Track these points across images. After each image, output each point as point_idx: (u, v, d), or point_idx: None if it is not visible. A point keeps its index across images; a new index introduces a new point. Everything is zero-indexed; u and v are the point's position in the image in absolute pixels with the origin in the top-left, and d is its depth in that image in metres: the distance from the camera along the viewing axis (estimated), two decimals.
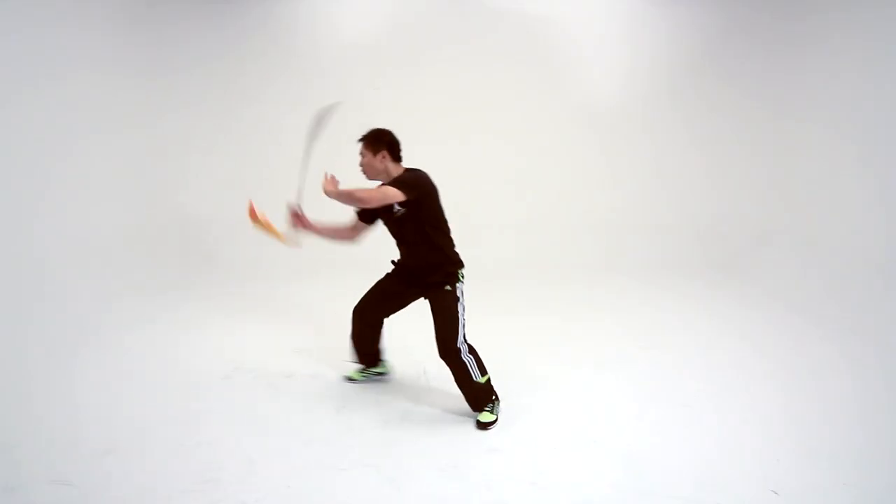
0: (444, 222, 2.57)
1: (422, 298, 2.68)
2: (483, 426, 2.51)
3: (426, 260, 2.57)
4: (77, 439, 2.37)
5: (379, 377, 3.02)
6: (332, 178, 2.49)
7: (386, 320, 2.83)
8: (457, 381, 2.54)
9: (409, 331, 3.05)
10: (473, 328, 3.95)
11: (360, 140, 2.54)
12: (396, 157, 2.54)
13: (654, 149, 5.61)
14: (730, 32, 5.40)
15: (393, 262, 2.78)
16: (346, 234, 2.78)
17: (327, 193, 2.44)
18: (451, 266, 2.56)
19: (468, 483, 2.15)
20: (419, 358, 3.28)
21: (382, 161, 2.49)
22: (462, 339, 2.51)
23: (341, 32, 5.41)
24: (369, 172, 2.55)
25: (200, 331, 3.69)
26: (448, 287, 2.53)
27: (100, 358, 3.22)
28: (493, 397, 2.59)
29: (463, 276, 2.60)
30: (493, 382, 2.59)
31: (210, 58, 5.35)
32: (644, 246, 5.55)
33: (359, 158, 2.55)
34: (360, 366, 2.98)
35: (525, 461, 2.29)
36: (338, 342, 3.51)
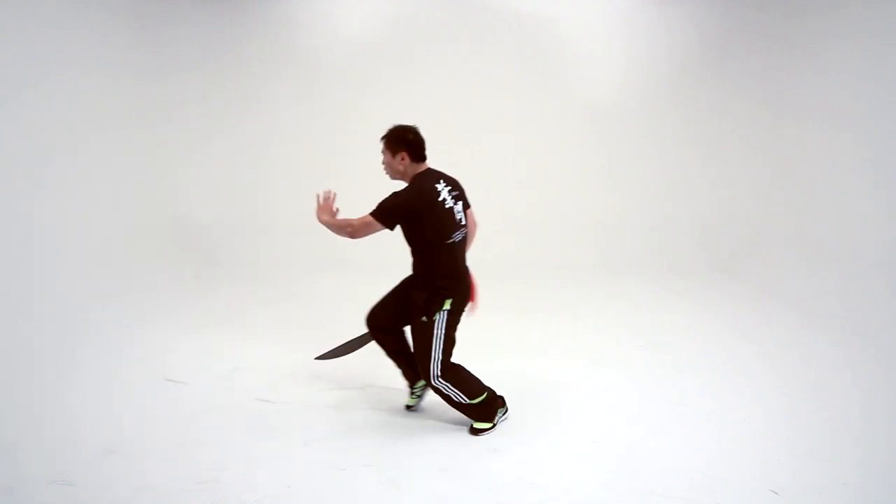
0: (436, 245, 2.36)
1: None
2: (474, 431, 2.49)
3: (416, 272, 2.49)
4: (77, 439, 2.37)
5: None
6: (327, 202, 2.46)
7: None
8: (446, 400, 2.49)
9: (406, 330, 3.04)
10: (472, 328, 3.95)
11: (382, 139, 2.44)
12: (417, 158, 2.40)
13: (654, 148, 5.61)
14: (729, 32, 5.39)
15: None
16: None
17: (320, 221, 2.41)
18: (434, 292, 2.38)
19: (468, 483, 2.15)
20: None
21: (402, 162, 2.38)
22: (436, 368, 2.38)
23: (341, 32, 5.40)
24: (389, 173, 2.47)
25: (200, 331, 3.69)
26: (424, 318, 2.38)
27: (99, 358, 3.21)
28: (497, 410, 2.53)
29: (448, 305, 2.39)
30: (492, 383, 2.58)
31: (210, 57, 5.34)
32: (644, 245, 5.55)
33: (381, 157, 2.47)
34: (408, 389, 2.74)
35: (525, 461, 2.30)
36: (338, 342, 3.52)
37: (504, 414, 2.60)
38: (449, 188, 2.42)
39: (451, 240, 2.39)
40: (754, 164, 5.49)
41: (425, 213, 2.32)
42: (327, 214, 2.45)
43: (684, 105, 5.49)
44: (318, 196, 2.49)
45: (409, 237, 2.40)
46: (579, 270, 5.22)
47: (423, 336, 2.39)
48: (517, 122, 5.61)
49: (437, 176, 2.42)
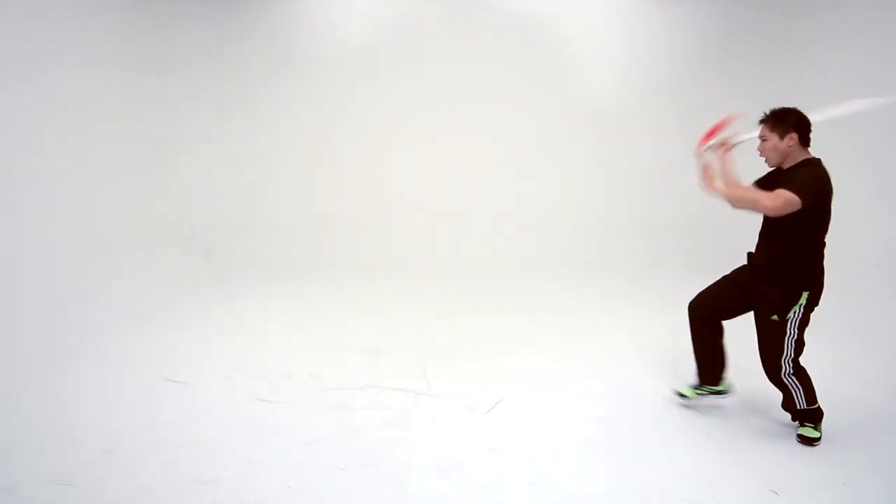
0: (823, 233, 2.24)
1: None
2: (804, 440, 2.41)
3: (773, 264, 2.31)
4: (77, 439, 2.37)
5: (718, 397, 2.67)
6: (710, 171, 2.29)
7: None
8: (783, 399, 2.45)
9: (405, 330, 3.05)
10: (471, 326, 3.94)
11: (764, 121, 2.30)
12: (805, 141, 2.25)
13: (654, 148, 5.61)
14: (729, 32, 5.39)
15: (749, 253, 2.50)
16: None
17: (715, 190, 2.25)
18: (794, 285, 2.24)
19: (468, 483, 2.15)
20: (419, 358, 3.28)
21: (790, 144, 2.22)
22: (788, 367, 2.33)
23: (341, 31, 5.40)
24: (772, 157, 2.29)
25: (200, 331, 3.69)
26: (776, 317, 2.27)
27: (99, 358, 3.21)
28: (818, 417, 2.45)
29: (805, 299, 2.25)
30: (491, 382, 2.58)
31: (210, 56, 5.34)
32: (643, 245, 5.55)
33: (758, 142, 2.33)
34: (696, 383, 2.68)
35: (525, 461, 2.29)
36: (338, 341, 3.52)
37: (820, 424, 2.46)
38: None
39: (824, 238, 2.25)
40: (754, 163, 5.49)
41: (830, 198, 2.18)
42: (719, 184, 2.26)
43: (684, 105, 5.48)
44: (705, 167, 2.34)
45: (796, 223, 2.15)
46: (578, 270, 5.22)
47: (775, 335, 2.29)
48: (517, 122, 5.60)
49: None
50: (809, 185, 2.11)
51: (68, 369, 3.03)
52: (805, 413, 2.43)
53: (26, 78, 3.66)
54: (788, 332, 2.28)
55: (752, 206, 2.18)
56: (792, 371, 2.35)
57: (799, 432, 2.46)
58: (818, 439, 2.42)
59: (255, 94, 5.45)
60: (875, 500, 2.11)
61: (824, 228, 2.24)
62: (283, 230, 5.52)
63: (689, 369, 3.19)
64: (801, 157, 2.25)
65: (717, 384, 2.66)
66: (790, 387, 2.37)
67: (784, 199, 2.08)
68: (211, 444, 2.36)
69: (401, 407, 2.72)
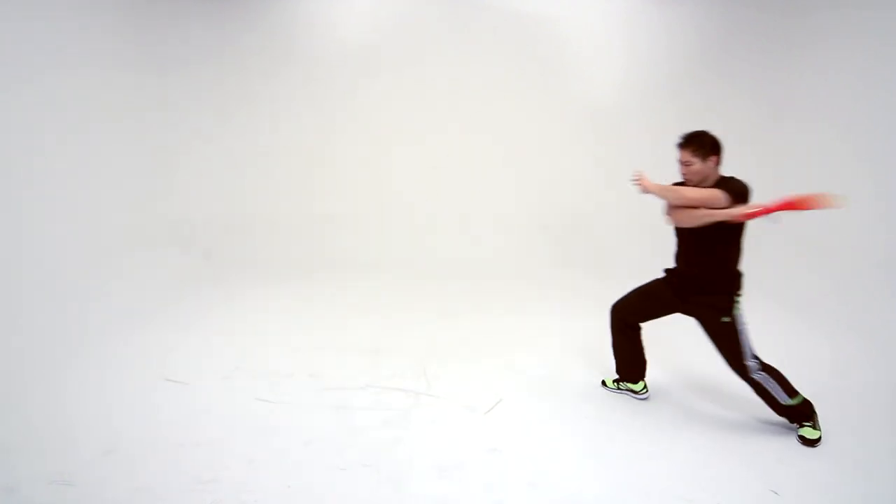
0: (740, 243, 2.41)
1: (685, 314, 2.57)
2: (805, 441, 2.42)
3: (703, 273, 2.45)
4: (77, 439, 2.37)
5: (634, 395, 2.84)
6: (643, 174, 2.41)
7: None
8: (766, 400, 2.47)
9: (405, 330, 3.05)
10: (471, 326, 3.94)
11: (684, 146, 2.37)
12: (721, 161, 2.40)
13: (654, 148, 5.60)
14: (729, 32, 5.39)
15: (666, 270, 2.68)
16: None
17: (648, 189, 2.36)
18: (726, 290, 2.40)
19: (468, 483, 2.15)
20: (419, 358, 3.28)
21: (711, 166, 2.35)
22: (752, 362, 2.40)
23: (341, 31, 5.40)
24: (694, 179, 2.38)
25: (200, 331, 3.69)
26: (725, 319, 2.40)
27: (99, 358, 3.21)
28: (811, 412, 2.47)
29: (739, 300, 2.41)
30: (490, 382, 2.58)
31: (210, 56, 5.33)
32: (643, 245, 5.55)
33: (678, 165, 2.42)
34: (615, 379, 2.92)
35: (525, 461, 2.30)
36: (338, 341, 3.52)
37: (817, 419, 2.48)
38: None
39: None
40: (754, 163, 5.48)
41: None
42: (652, 184, 2.38)
43: (684, 105, 5.49)
44: (637, 172, 2.44)
45: (722, 232, 2.32)
46: (577, 269, 5.22)
47: (729, 335, 2.41)
48: (517, 122, 5.60)
49: None
50: (738, 188, 2.30)
51: (68, 369, 3.03)
52: (794, 410, 2.44)
53: (26, 78, 3.66)
54: (740, 328, 2.41)
55: (687, 202, 2.33)
56: (759, 367, 2.42)
57: (799, 433, 2.46)
58: (819, 440, 2.42)
59: (255, 94, 5.45)
60: (875, 500, 2.11)
61: (743, 235, 2.43)
62: (283, 230, 5.52)
63: (689, 370, 3.20)
64: (717, 175, 2.40)
65: (634, 383, 2.84)
66: (763, 383, 2.42)
67: (711, 193, 2.28)
68: (211, 444, 2.36)
69: (401, 407, 2.72)
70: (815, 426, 2.45)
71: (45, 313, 3.48)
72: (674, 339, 3.68)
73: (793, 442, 2.45)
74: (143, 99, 4.98)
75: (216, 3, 5.25)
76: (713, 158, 2.35)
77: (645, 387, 2.83)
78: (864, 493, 2.12)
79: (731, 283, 2.42)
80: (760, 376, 2.41)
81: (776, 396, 2.42)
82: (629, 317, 2.76)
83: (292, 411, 2.66)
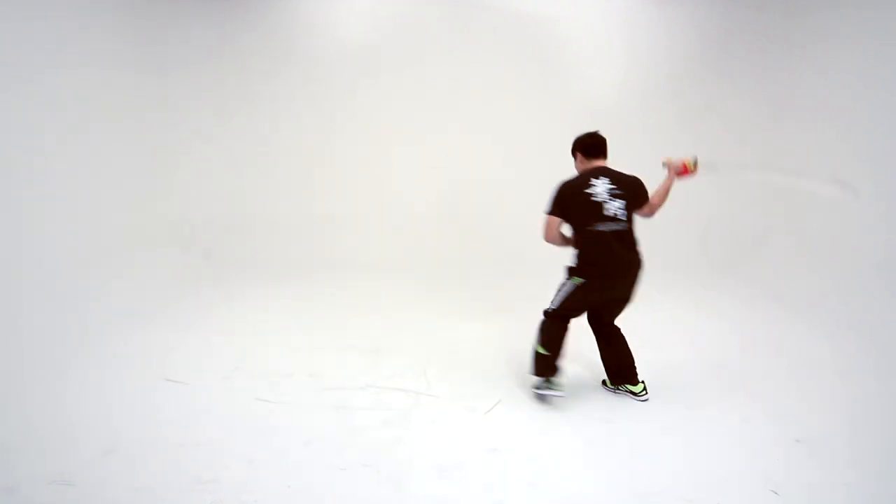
0: (576, 230, 2.73)
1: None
2: (537, 396, 2.75)
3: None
4: (77, 439, 2.37)
5: (632, 397, 2.87)
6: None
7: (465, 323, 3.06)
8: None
9: (405, 330, 3.05)
10: (469, 326, 3.94)
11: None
12: (588, 155, 2.77)
13: (654, 148, 5.59)
14: (729, 32, 5.39)
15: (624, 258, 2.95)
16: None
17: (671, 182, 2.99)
18: (574, 268, 2.78)
19: (468, 483, 2.15)
20: (419, 358, 3.28)
21: (580, 162, 2.81)
22: (551, 308, 2.76)
23: (341, 31, 5.40)
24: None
25: (200, 331, 3.69)
26: (565, 279, 2.81)
27: (99, 358, 3.21)
28: (552, 372, 2.74)
29: (578, 281, 2.73)
30: (490, 382, 2.58)
31: (210, 56, 5.33)
32: (642, 245, 5.55)
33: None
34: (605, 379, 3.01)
35: (525, 461, 2.30)
36: (338, 341, 3.52)
37: (556, 390, 2.74)
38: (610, 186, 2.63)
39: (592, 227, 2.63)
40: (754, 164, 5.49)
41: (568, 199, 2.65)
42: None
43: (684, 105, 5.49)
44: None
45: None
46: None
47: (560, 286, 2.80)
48: (517, 122, 5.60)
49: (601, 172, 2.68)
50: (551, 198, 2.75)
51: (68, 369, 3.03)
52: (537, 359, 2.74)
53: (26, 78, 3.66)
54: (561, 288, 2.79)
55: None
56: (548, 315, 2.78)
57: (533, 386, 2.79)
58: (547, 398, 2.74)
59: (255, 94, 5.45)
60: (875, 500, 2.11)
61: (577, 224, 2.77)
62: (283, 230, 5.52)
63: (688, 369, 3.19)
64: (584, 168, 2.78)
65: (633, 384, 2.86)
66: (540, 324, 2.78)
67: (544, 224, 2.82)
68: (211, 444, 2.36)
69: (401, 407, 2.72)
70: (550, 386, 2.73)
71: (45, 313, 3.48)
72: (673, 338, 3.68)
73: (793, 442, 2.44)
74: (143, 99, 4.98)
75: (216, 3, 5.24)
76: (578, 155, 2.83)
77: (644, 388, 2.83)
78: (864, 493, 2.12)
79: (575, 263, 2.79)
80: (541, 321, 2.78)
81: (535, 339, 2.76)
82: (578, 315, 2.89)
83: (292, 411, 2.66)
